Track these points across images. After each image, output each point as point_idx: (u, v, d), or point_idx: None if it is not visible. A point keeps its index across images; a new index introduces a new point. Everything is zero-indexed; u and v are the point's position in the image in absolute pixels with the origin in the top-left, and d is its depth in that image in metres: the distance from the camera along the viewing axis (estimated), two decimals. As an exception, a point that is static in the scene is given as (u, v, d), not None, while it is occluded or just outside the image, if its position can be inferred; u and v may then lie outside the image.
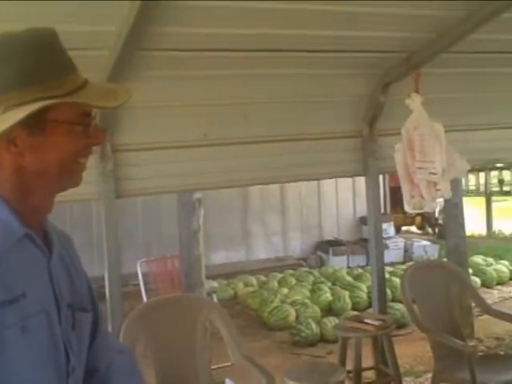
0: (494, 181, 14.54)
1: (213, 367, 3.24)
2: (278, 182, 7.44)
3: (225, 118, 3.31)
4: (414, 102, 3.20)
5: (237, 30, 2.66)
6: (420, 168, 3.23)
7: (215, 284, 7.86)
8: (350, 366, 3.78)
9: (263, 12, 2.54)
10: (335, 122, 3.76)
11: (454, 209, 5.73)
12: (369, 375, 4.05)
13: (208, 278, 6.49)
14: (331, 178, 7.94)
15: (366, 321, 3.79)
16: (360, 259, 9.49)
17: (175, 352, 3.10)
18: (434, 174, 3.18)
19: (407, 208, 3.48)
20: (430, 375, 4.69)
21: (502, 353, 5.26)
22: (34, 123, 1.04)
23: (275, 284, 7.96)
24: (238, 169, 3.49)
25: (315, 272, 8.59)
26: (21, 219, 1.07)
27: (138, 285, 6.27)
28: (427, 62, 3.19)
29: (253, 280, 8.33)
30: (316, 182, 9.55)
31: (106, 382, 1.30)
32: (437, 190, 3.26)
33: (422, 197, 3.31)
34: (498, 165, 10.50)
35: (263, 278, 8.42)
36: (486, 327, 5.74)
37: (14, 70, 1.03)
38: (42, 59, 1.05)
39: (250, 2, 2.44)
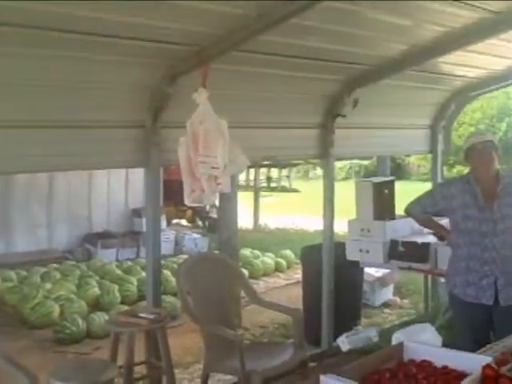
0: (262, 177, 15.58)
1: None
2: (50, 171, 6.97)
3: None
4: (201, 96, 3.21)
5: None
6: (203, 162, 3.26)
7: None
8: (121, 361, 3.67)
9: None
10: (116, 111, 3.59)
11: (227, 203, 5.98)
12: (140, 370, 4.00)
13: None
14: (110, 169, 7.70)
15: (141, 315, 3.74)
16: (130, 252, 9.39)
17: None
18: (216, 168, 3.24)
19: (187, 201, 3.48)
20: (198, 366, 4.83)
21: (266, 340, 5.65)
22: None
23: (37, 279, 7.48)
24: (3, 156, 3.13)
25: (82, 266, 8.26)
26: None
27: None
28: (216, 58, 3.23)
29: (12, 275, 7.70)
30: (87, 171, 9.14)
31: None
32: (217, 185, 3.33)
33: (203, 191, 3.35)
34: (266, 162, 11.28)
35: (24, 273, 7.83)
36: (251, 316, 6.10)
37: None
38: None
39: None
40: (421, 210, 3.79)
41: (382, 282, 6.87)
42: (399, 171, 23.94)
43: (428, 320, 4.73)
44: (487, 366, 2.02)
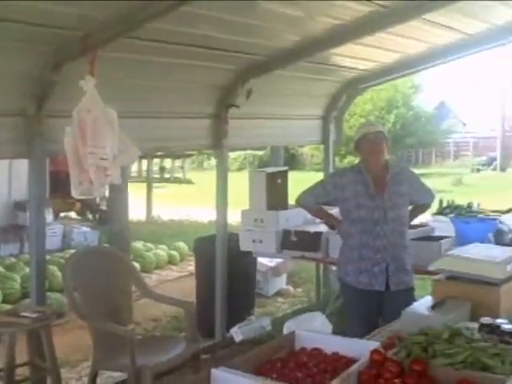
0: (155, 168, 15.24)
1: None
2: None
3: None
4: (88, 84, 3.07)
5: None
6: (91, 153, 3.11)
7: None
8: (1, 364, 3.46)
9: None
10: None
11: (118, 194, 5.80)
12: (23, 372, 3.77)
13: None
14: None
15: (23, 314, 3.54)
16: (13, 247, 8.84)
17: None
18: (105, 159, 3.10)
19: (74, 194, 3.31)
20: (87, 363, 4.65)
21: (158, 334, 5.54)
22: None
23: None
24: None
25: (-40, 263, 7.66)
26: None
27: None
28: (104, 44, 3.09)
29: None
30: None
31: None
32: (107, 176, 3.20)
33: (91, 182, 3.20)
34: (160, 153, 11.06)
35: None
36: (144, 310, 5.96)
37: None
38: None
39: None
40: (313, 201, 3.83)
41: (275, 271, 6.98)
42: (293, 161, 24.49)
43: (320, 308, 4.86)
44: (375, 351, 2.08)
